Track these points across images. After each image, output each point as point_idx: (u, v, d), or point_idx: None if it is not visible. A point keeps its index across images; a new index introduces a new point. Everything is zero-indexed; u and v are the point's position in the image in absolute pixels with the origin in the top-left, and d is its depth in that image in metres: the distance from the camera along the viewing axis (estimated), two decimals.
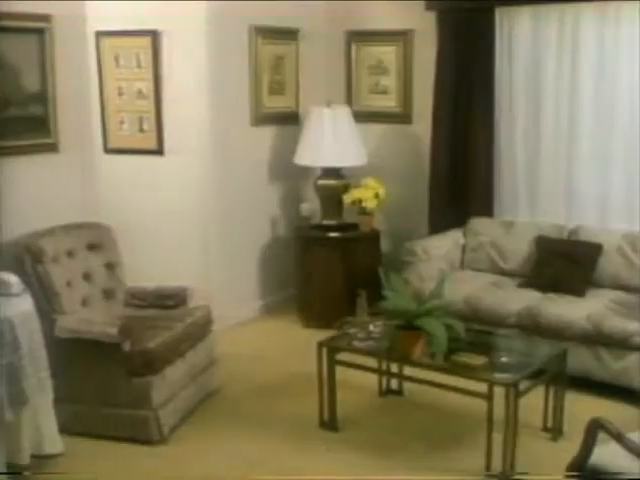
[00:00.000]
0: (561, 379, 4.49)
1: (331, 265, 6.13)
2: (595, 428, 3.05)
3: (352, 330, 4.63)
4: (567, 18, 5.74)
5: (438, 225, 6.20)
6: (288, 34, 6.51)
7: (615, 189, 5.73)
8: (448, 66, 6.11)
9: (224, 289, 5.99)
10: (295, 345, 5.83)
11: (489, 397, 4.09)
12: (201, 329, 4.91)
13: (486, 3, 5.90)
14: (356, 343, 4.56)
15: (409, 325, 4.27)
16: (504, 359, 4.31)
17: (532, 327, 5.11)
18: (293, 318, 6.37)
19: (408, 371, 4.59)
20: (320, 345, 4.60)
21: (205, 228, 6.04)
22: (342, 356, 4.57)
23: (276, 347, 5.86)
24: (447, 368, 4.22)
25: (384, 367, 4.80)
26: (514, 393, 4.03)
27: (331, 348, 4.60)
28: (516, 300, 5.28)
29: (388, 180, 6.29)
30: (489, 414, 4.08)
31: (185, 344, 4.71)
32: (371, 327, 4.61)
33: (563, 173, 5.91)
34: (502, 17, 5.95)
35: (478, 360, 4.23)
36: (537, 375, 4.30)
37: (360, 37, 6.62)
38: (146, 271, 5.58)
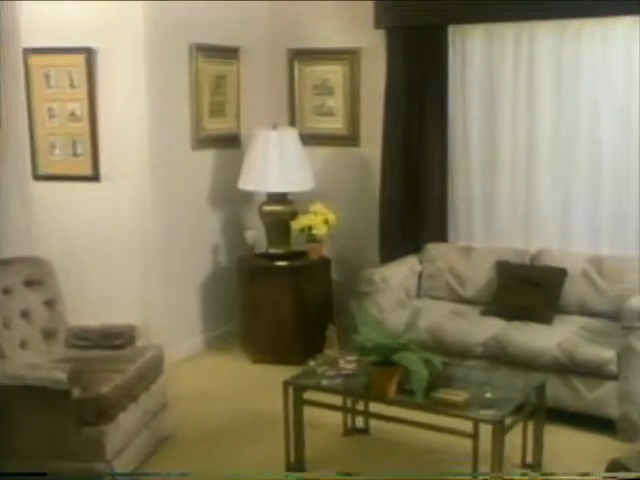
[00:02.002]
0: (540, 412, 4.37)
1: (279, 296, 5.92)
2: (616, 469, 2.90)
3: (320, 367, 4.40)
4: (523, 36, 5.69)
5: (389, 251, 6.06)
6: (229, 52, 6.30)
7: (577, 211, 5.68)
8: (398, 86, 5.99)
9: (164, 323, 5.70)
10: (246, 382, 5.59)
11: (475, 435, 3.95)
12: (153, 370, 4.62)
13: (438, 21, 5.81)
14: (325, 382, 4.33)
15: (385, 361, 4.08)
16: (487, 394, 4.13)
17: (501, 357, 4.98)
18: (238, 353, 6.14)
19: (376, 408, 4.38)
20: (286, 384, 4.35)
21: (144, 259, 5.76)
22: (308, 394, 4.35)
23: (227, 385, 5.58)
24: (429, 406, 4.03)
25: (354, 405, 4.60)
26: (501, 430, 3.88)
27: (298, 387, 4.36)
28: (481, 329, 5.16)
29: (337, 205, 6.13)
30: (474, 453, 3.94)
31: (138, 387, 4.40)
32: (341, 363, 4.38)
33: (522, 195, 5.84)
34: (455, 35, 5.87)
35: (459, 396, 4.06)
36: (518, 409, 4.16)
37: (304, 56, 6.46)
38: (82, 307, 5.26)
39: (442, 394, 4.07)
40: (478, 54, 5.85)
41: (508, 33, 5.72)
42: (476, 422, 3.95)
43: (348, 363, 4.38)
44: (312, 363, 4.45)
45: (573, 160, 5.65)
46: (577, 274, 5.33)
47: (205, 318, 6.29)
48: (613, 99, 5.48)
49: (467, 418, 3.97)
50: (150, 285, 5.76)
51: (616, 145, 5.51)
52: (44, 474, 3.89)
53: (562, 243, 5.70)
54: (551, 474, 4.02)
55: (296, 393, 4.35)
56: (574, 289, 5.32)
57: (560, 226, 5.74)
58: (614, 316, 5.06)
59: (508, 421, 3.99)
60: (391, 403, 4.13)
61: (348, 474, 4.25)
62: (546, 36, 5.62)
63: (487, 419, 3.91)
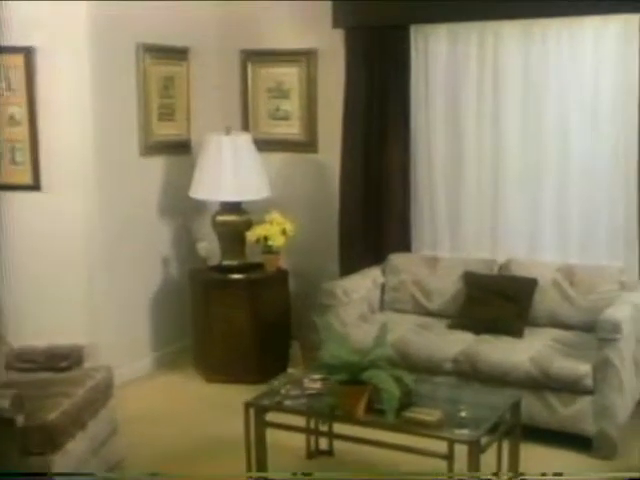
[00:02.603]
0: (516, 431, 4.31)
1: (234, 311, 5.83)
2: None
3: (283, 387, 4.29)
4: (488, 37, 5.66)
5: (350, 263, 5.99)
6: (178, 53, 6.18)
7: (545, 220, 5.66)
8: (358, 89, 5.92)
9: (111, 342, 5.51)
10: (201, 403, 5.47)
11: (449, 456, 3.88)
12: (103, 393, 4.47)
13: (400, 20, 5.75)
14: (289, 402, 4.23)
15: (354, 379, 3.99)
16: (460, 413, 4.06)
17: (471, 373, 4.94)
18: (191, 372, 6.02)
19: (340, 429, 4.28)
20: (248, 405, 4.24)
21: (89, 273, 5.61)
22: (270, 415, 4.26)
23: (180, 407, 5.45)
24: (400, 427, 3.95)
25: (317, 426, 4.49)
26: (477, 450, 3.82)
27: (260, 408, 4.25)
28: (449, 344, 5.11)
29: (294, 215, 6.04)
30: (449, 475, 3.86)
31: (87, 412, 4.25)
32: (306, 382, 4.29)
33: (488, 204, 5.80)
34: (417, 35, 5.83)
35: (432, 415, 3.99)
36: (492, 428, 4.10)
37: (257, 57, 6.36)
38: (25, 327, 5.11)
39: (413, 413, 4.00)
40: (442, 55, 5.80)
41: (472, 33, 5.69)
42: (451, 442, 3.87)
43: (313, 382, 4.29)
44: (275, 382, 4.33)
45: (541, 167, 5.63)
46: (548, 284, 5.31)
47: (155, 335, 6.15)
48: (582, 103, 5.47)
49: (441, 438, 3.91)
50: (96, 301, 5.61)
51: (585, 151, 5.50)
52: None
53: (530, 252, 5.68)
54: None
55: (258, 414, 4.24)
56: (545, 300, 5.30)
57: (528, 235, 5.72)
58: (587, 328, 5.06)
59: (483, 441, 3.93)
60: (360, 424, 4.04)
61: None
62: (511, 36, 5.60)
63: (463, 439, 3.85)
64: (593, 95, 5.44)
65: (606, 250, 5.49)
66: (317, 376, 4.30)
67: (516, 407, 4.30)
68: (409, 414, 3.99)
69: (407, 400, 4.05)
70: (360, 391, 3.99)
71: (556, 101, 5.54)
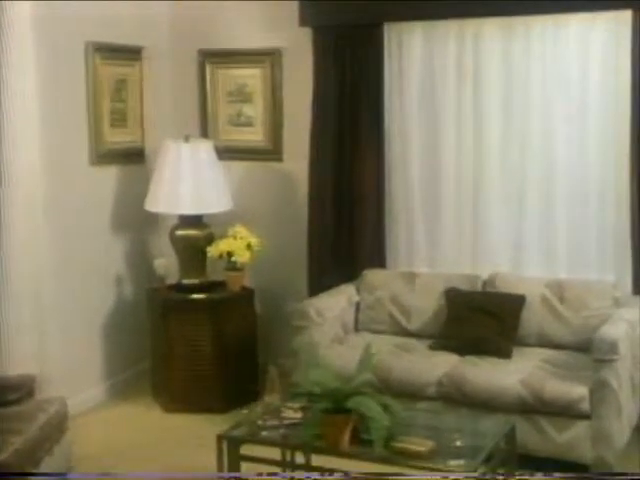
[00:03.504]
0: (511, 460, 4.24)
1: (195, 334, 5.74)
2: None
3: (259, 417, 4.19)
4: (467, 35, 5.63)
5: (320, 280, 5.93)
6: (131, 53, 6.09)
7: (530, 232, 5.61)
8: (327, 92, 5.87)
9: (62, 370, 5.33)
10: (162, 436, 5.34)
11: None
12: (57, 428, 4.33)
13: (372, 18, 5.71)
14: (266, 434, 4.11)
15: (337, 407, 3.89)
16: (453, 442, 3.98)
17: (457, 397, 4.88)
18: (149, 401, 5.89)
19: (319, 461, 4.18)
20: (220, 438, 4.12)
21: (35, 294, 5.39)
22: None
23: (139, 440, 5.29)
24: (390, 458, 3.86)
25: (293, 457, 4.37)
26: None
27: (234, 441, 4.13)
28: (433, 366, 5.05)
29: (259, 228, 5.95)
30: None
31: (41, 450, 4.08)
32: (284, 411, 4.18)
33: (469, 215, 5.75)
34: (391, 34, 5.78)
35: (423, 445, 3.91)
36: (487, 458, 4.03)
37: (217, 57, 6.29)
38: None
39: (403, 443, 3.91)
40: (417, 56, 5.76)
41: (450, 32, 5.66)
42: (446, 474, 3.79)
43: (292, 411, 4.18)
44: (250, 412, 4.23)
45: (525, 176, 5.60)
46: (536, 301, 5.27)
47: (110, 362, 6.05)
48: (568, 108, 5.45)
49: (435, 470, 3.81)
50: (44, 326, 5.40)
51: (572, 160, 5.48)
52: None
53: (515, 267, 5.64)
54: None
55: (231, 448, 4.12)
56: (533, 318, 5.26)
57: (512, 248, 5.67)
58: (579, 347, 5.07)
59: (480, 471, 3.85)
60: (346, 456, 3.95)
61: None
62: (492, 35, 5.57)
63: (459, 471, 3.75)
64: (580, 99, 5.42)
65: (596, 263, 5.46)
66: (296, 404, 4.20)
67: (511, 434, 4.23)
68: (399, 444, 3.90)
69: (395, 429, 3.95)
70: (345, 420, 3.90)
71: (541, 105, 5.51)
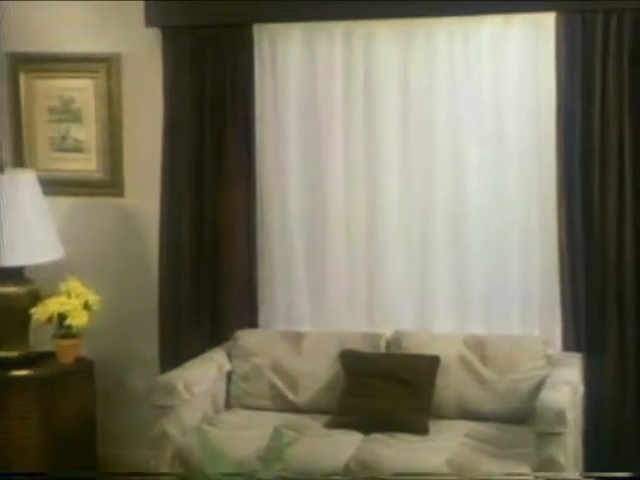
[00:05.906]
0: None
1: (17, 424, 5.59)
2: None
3: None
4: (356, 40, 5.63)
5: (174, 344, 5.85)
6: None
7: (437, 279, 5.65)
8: (182, 107, 5.84)
9: None
10: None
11: None
12: None
13: (239, 17, 5.68)
14: None
15: None
16: None
17: None
18: None
19: None
20: None
21: None
22: None
23: None
24: None
25: None
26: None
27: None
28: (334, 449, 4.94)
29: (96, 283, 5.77)
30: None
31: None
32: None
33: (362, 260, 5.76)
34: (262, 37, 5.74)
35: None
36: None
37: (34, 64, 6.12)
38: None
39: None
40: (296, 63, 5.75)
41: (336, 35, 5.65)
42: None
43: None
44: None
45: (429, 208, 5.63)
46: (453, 363, 5.29)
47: None
48: (480, 129, 5.52)
49: None
50: None
51: (487, 192, 5.55)
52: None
53: (421, 322, 5.67)
54: None
55: None
56: (451, 383, 5.27)
57: (416, 300, 5.71)
58: (507, 418, 5.12)
59: None
60: None
61: None
62: (387, 41, 5.58)
63: None
64: (496, 116, 5.50)
65: (518, 316, 5.53)
66: None
67: None
68: None
69: None
70: None
71: (448, 125, 5.58)
